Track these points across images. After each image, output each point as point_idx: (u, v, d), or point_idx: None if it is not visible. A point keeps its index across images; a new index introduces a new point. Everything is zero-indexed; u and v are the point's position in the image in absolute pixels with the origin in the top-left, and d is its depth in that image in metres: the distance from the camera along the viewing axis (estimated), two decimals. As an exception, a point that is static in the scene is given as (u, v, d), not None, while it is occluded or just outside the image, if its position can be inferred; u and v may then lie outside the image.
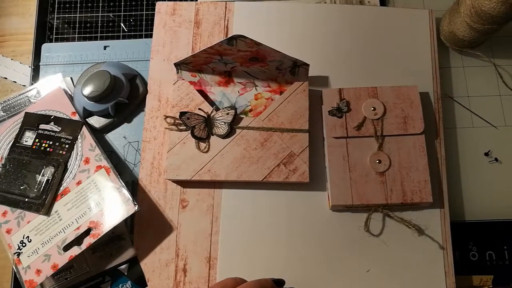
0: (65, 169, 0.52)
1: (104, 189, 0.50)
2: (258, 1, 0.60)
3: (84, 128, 0.53)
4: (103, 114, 0.56)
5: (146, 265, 0.52)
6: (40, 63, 0.61)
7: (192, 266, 0.51)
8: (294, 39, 0.58)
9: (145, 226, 0.53)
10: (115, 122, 0.57)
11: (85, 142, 0.53)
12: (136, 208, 0.49)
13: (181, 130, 0.52)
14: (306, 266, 0.51)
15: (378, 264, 0.51)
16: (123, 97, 0.55)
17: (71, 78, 0.59)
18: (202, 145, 0.52)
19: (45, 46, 0.61)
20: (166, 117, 0.53)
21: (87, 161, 0.52)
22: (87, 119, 0.56)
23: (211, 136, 0.52)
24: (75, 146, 0.53)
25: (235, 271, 0.51)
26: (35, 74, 0.60)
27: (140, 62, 0.60)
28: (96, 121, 0.57)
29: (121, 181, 0.50)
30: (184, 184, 0.54)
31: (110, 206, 0.49)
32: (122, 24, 0.63)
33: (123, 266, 0.52)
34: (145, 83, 0.58)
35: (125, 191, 0.50)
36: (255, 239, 0.52)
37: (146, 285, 0.51)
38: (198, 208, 0.53)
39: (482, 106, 0.58)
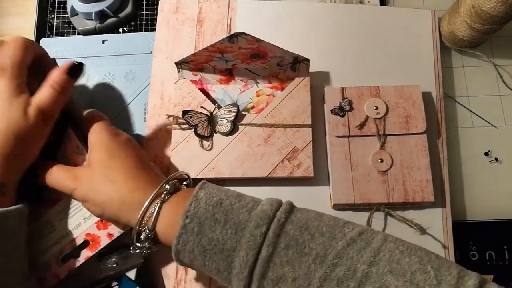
0: None
1: None
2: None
3: (68, 130, 0.49)
4: (87, 17, 0.60)
5: (147, 263, 0.51)
6: (39, 58, 0.60)
7: (194, 265, 0.51)
8: (295, 38, 0.59)
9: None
10: (96, 30, 0.61)
11: (71, 144, 0.48)
12: None
13: (184, 129, 0.52)
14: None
15: (380, 262, 0.51)
16: (109, 8, 0.55)
17: None
18: (206, 143, 0.52)
19: (44, 41, 0.61)
20: (169, 116, 0.53)
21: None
22: (70, 18, 0.61)
23: (214, 134, 0.52)
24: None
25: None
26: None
27: (138, 56, 0.60)
28: (79, 23, 0.61)
29: None
30: (188, 182, 0.53)
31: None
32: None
33: (131, 271, 0.50)
34: (136, 6, 0.62)
35: None
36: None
37: None
38: (200, 206, 0.53)
39: (482, 106, 0.58)
